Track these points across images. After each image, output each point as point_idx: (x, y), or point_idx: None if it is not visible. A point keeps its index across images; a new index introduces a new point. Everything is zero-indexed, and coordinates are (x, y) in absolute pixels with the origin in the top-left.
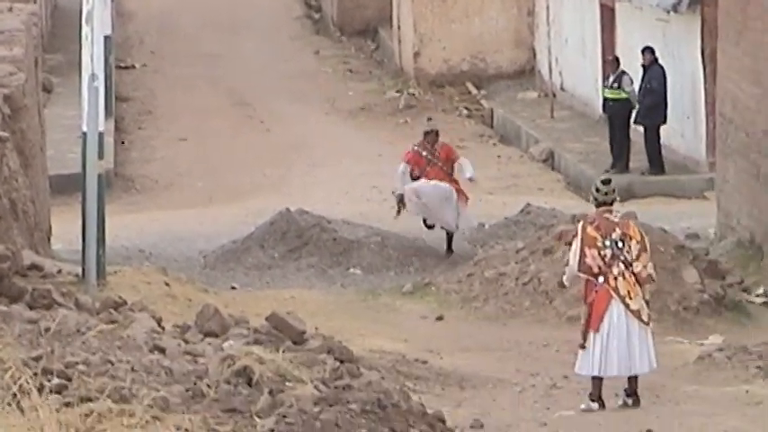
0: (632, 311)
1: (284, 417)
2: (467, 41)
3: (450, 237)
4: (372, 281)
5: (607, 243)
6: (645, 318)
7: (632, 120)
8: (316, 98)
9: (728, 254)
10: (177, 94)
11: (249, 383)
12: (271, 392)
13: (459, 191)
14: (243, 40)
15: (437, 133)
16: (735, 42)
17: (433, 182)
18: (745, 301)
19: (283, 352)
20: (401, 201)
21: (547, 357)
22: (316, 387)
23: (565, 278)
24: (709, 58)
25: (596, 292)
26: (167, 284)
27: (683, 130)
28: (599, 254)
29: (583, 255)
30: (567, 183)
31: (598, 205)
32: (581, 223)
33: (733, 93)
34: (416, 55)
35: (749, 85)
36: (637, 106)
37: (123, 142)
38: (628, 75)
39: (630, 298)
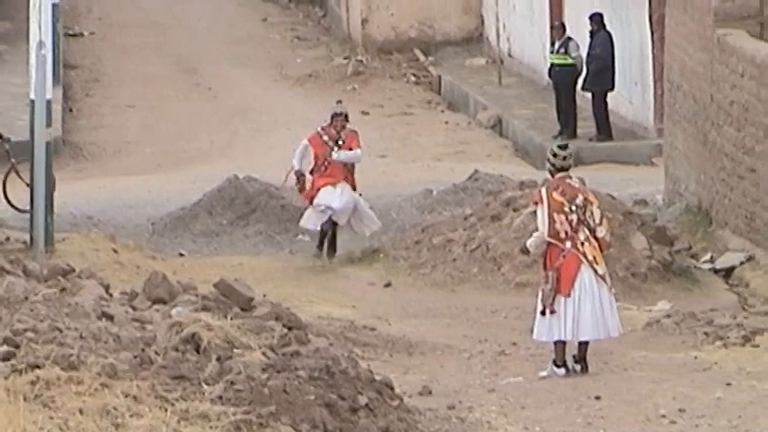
0: (600, 276)
1: (232, 383)
2: (414, 8)
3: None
4: None
5: (572, 208)
6: (609, 282)
7: (579, 86)
8: (263, 65)
9: (676, 220)
10: (125, 62)
11: (197, 350)
12: (219, 359)
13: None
14: (191, 8)
15: (346, 117)
16: (682, 8)
17: (338, 191)
18: (693, 267)
19: (231, 319)
20: (300, 180)
21: (495, 324)
22: (264, 354)
23: (530, 243)
24: (657, 24)
25: (564, 256)
26: (115, 251)
27: (631, 97)
28: (566, 219)
29: (552, 220)
30: (515, 149)
31: (557, 171)
32: (544, 189)
33: (681, 59)
34: (364, 22)
35: (697, 51)
36: (583, 72)
37: (71, 110)
38: (574, 40)
39: (597, 263)
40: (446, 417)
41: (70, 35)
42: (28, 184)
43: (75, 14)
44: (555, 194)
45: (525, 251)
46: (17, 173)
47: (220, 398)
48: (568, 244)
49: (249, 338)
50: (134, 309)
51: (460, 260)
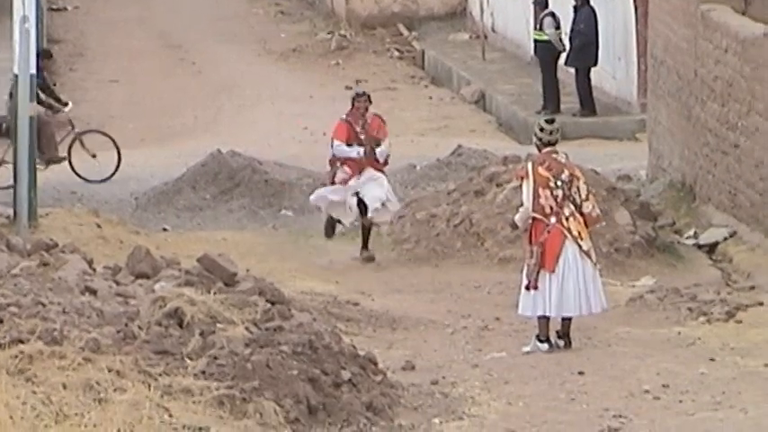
0: (585, 252)
1: (215, 358)
2: None
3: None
4: (304, 222)
5: (558, 183)
6: (594, 258)
7: (562, 61)
8: (247, 40)
9: (660, 196)
10: (108, 37)
11: (180, 325)
12: (202, 334)
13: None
14: None
15: (369, 98)
16: None
17: (366, 177)
18: (677, 242)
19: (214, 294)
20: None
21: (478, 299)
22: (247, 329)
23: (517, 218)
24: (640, 0)
25: (548, 232)
26: (99, 226)
27: (615, 72)
28: (551, 194)
29: (537, 195)
30: (499, 124)
31: (544, 145)
32: (530, 163)
33: (665, 34)
34: None
35: (681, 27)
36: (560, 48)
37: (55, 84)
38: (550, 16)
39: (582, 239)
40: (429, 392)
41: (54, 9)
42: (93, 155)
43: None
44: (541, 169)
45: (513, 226)
46: (81, 143)
47: (203, 372)
48: (553, 219)
49: (232, 313)
50: (117, 283)
51: (444, 235)
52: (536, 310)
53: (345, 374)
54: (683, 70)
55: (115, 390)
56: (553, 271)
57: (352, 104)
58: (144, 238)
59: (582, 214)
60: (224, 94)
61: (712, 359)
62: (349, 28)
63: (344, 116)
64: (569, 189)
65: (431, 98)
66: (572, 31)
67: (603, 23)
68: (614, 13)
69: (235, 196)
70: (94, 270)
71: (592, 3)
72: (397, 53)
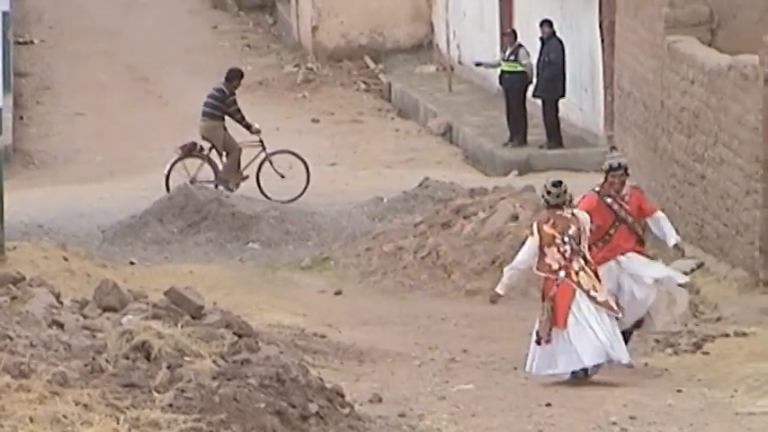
0: (600, 303)
1: (183, 391)
2: (365, 15)
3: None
4: (271, 255)
5: (566, 239)
6: (614, 306)
7: (530, 93)
8: (213, 72)
9: None
10: (76, 70)
11: (148, 358)
12: (169, 367)
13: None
14: (141, 15)
15: (626, 170)
16: (633, 14)
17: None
18: None
19: (182, 327)
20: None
21: (446, 331)
22: (214, 362)
23: (503, 283)
24: (607, 31)
25: (557, 286)
26: (66, 259)
27: (582, 104)
28: (558, 251)
29: (543, 254)
30: (466, 156)
31: (550, 207)
32: (535, 224)
33: (631, 66)
34: (314, 29)
35: (647, 58)
36: (533, 79)
37: (22, 117)
38: (524, 47)
39: (596, 290)
40: (397, 424)
41: (20, 43)
42: (282, 176)
43: (25, 22)
44: (546, 227)
45: (494, 299)
46: (271, 164)
47: (171, 405)
48: (562, 273)
49: (200, 346)
50: (84, 317)
51: (411, 267)
52: (549, 368)
53: (313, 407)
54: (649, 101)
55: (82, 423)
56: (564, 327)
57: (606, 177)
58: (111, 271)
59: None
60: (190, 127)
61: (679, 390)
62: (315, 61)
63: (596, 188)
64: (578, 244)
65: (397, 130)
66: (540, 62)
67: (570, 55)
68: (581, 45)
69: (202, 229)
70: (62, 303)
71: (558, 34)
72: (363, 86)
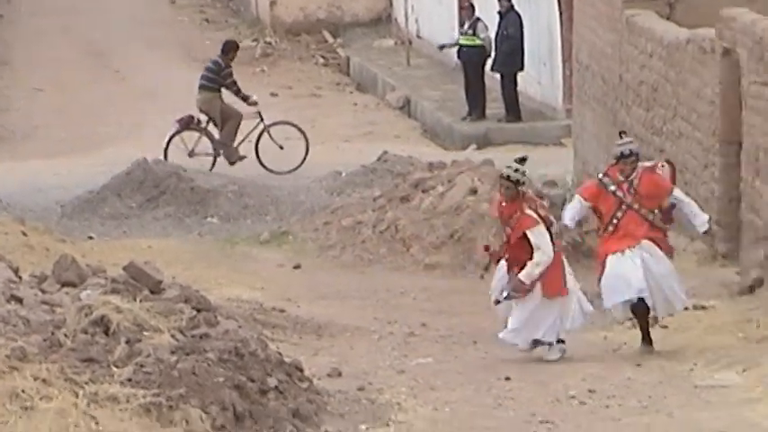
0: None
1: (141, 366)
2: None
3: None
4: (230, 229)
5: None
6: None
7: (489, 67)
8: (172, 47)
9: None
10: (34, 46)
11: (106, 333)
12: (128, 342)
13: (663, 246)
14: None
15: (637, 156)
16: None
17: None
18: None
19: (140, 301)
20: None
21: (404, 305)
22: (173, 336)
23: (530, 274)
24: (565, 5)
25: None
26: (24, 234)
27: (540, 77)
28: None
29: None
30: (424, 130)
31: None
32: (530, 210)
33: (590, 39)
34: (273, 4)
35: (606, 32)
36: (492, 53)
37: None
38: (482, 21)
39: None
40: (356, 398)
41: None
42: (281, 147)
43: None
44: (540, 210)
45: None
46: (269, 135)
47: (130, 380)
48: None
49: (158, 321)
50: (43, 292)
51: (370, 241)
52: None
53: (271, 381)
54: (608, 75)
55: (41, 398)
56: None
57: (617, 163)
58: (70, 246)
59: None
60: (148, 102)
61: (638, 364)
62: (274, 35)
63: (602, 175)
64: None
65: (356, 104)
66: (498, 36)
67: (528, 29)
68: (539, 19)
69: (160, 204)
70: (20, 278)
71: (516, 8)
72: (322, 60)
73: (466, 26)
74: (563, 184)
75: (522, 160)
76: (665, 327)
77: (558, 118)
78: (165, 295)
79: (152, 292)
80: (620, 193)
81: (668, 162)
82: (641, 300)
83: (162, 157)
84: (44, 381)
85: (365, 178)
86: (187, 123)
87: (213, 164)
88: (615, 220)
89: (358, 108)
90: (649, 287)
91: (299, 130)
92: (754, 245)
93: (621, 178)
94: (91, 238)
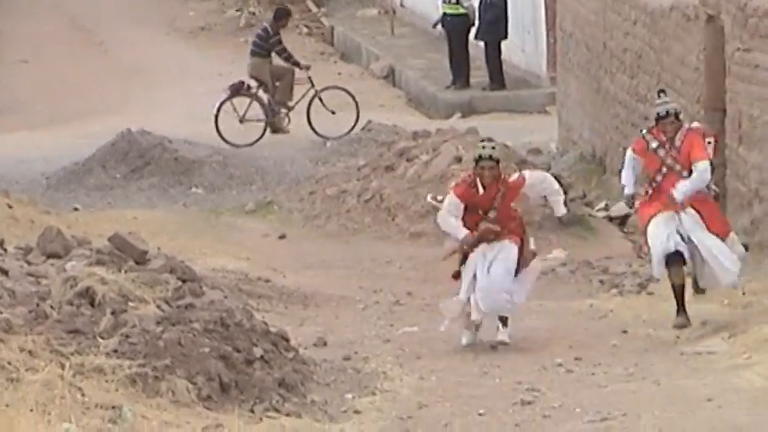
0: None
1: (127, 337)
2: None
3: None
4: (214, 200)
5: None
6: None
7: (473, 35)
8: (156, 19)
9: (571, 168)
10: (19, 20)
11: (92, 304)
12: (113, 313)
13: (715, 218)
14: None
15: (678, 116)
16: None
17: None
18: (588, 215)
19: (126, 272)
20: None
21: (390, 274)
22: (158, 307)
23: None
24: None
25: None
26: (9, 206)
27: (524, 46)
28: None
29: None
30: (409, 99)
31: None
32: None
33: (573, 7)
34: None
35: (589, 0)
36: (476, 22)
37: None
38: None
39: None
40: (342, 368)
41: None
42: (333, 112)
43: None
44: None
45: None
46: (321, 100)
47: (115, 351)
48: None
49: (144, 292)
50: (29, 263)
51: (354, 211)
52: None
53: (257, 351)
54: (591, 43)
55: (27, 369)
56: None
57: (657, 123)
58: (55, 217)
59: None
60: (133, 74)
61: (624, 331)
62: (257, 5)
63: (643, 132)
64: None
65: (340, 74)
66: (482, 4)
67: None
68: None
69: (145, 175)
70: (5, 250)
71: None
72: (306, 30)
73: None
74: (547, 151)
75: (490, 140)
76: (651, 294)
77: (543, 86)
78: (150, 266)
79: (137, 263)
80: (661, 152)
81: (714, 137)
82: (678, 253)
83: (213, 124)
84: (30, 352)
85: (350, 147)
86: (237, 89)
87: (264, 130)
88: (655, 183)
89: (342, 77)
90: (690, 251)
91: (350, 95)
92: (739, 211)
93: (664, 138)
94: (76, 209)
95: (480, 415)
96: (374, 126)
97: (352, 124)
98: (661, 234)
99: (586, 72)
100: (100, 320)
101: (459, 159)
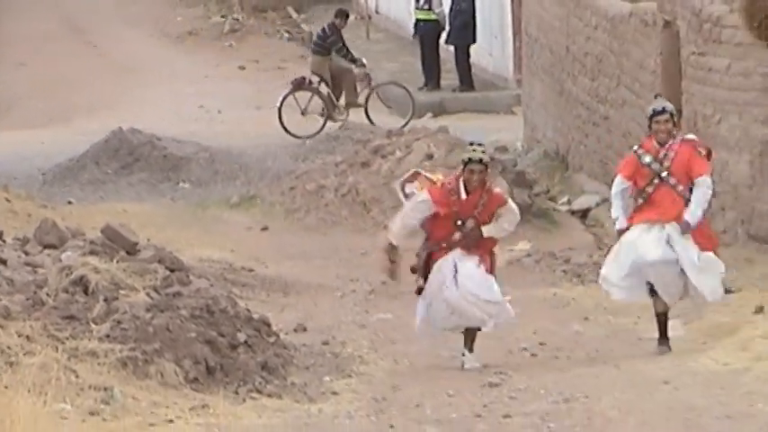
0: None
1: (118, 322)
2: None
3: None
4: (201, 194)
5: None
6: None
7: (443, 40)
8: (146, 24)
9: (535, 165)
10: (17, 22)
11: (86, 292)
12: (106, 300)
13: (702, 232)
14: None
15: (674, 122)
16: None
17: (659, 233)
18: (552, 209)
19: (117, 262)
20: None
21: (365, 264)
22: (148, 294)
23: None
24: None
25: None
26: (8, 200)
27: (492, 50)
28: None
29: None
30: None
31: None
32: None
33: (538, 13)
34: None
35: (553, 6)
36: (446, 27)
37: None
38: None
39: None
40: (320, 352)
41: None
42: (389, 107)
43: None
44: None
45: None
46: (378, 95)
47: (108, 336)
48: None
49: (134, 280)
50: (26, 254)
51: (332, 205)
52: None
53: (241, 336)
54: (555, 47)
55: (25, 353)
56: None
57: (651, 128)
58: (51, 211)
59: None
60: (125, 76)
61: (586, 318)
62: (241, 11)
63: (636, 148)
64: None
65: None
66: (452, 10)
67: (480, 3)
68: None
69: (135, 171)
70: (4, 241)
71: None
72: (287, 35)
73: (422, 1)
74: (513, 149)
75: (480, 144)
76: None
77: (509, 88)
78: (140, 256)
79: (128, 253)
80: (655, 166)
81: (707, 149)
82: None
83: (276, 116)
84: (27, 337)
85: (328, 145)
86: (299, 84)
87: (324, 122)
88: (645, 194)
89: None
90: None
91: (406, 90)
92: None
93: (657, 146)
94: (70, 203)
95: (450, 396)
96: (350, 125)
97: (408, 117)
98: (641, 242)
99: (550, 75)
100: (93, 307)
101: (430, 156)
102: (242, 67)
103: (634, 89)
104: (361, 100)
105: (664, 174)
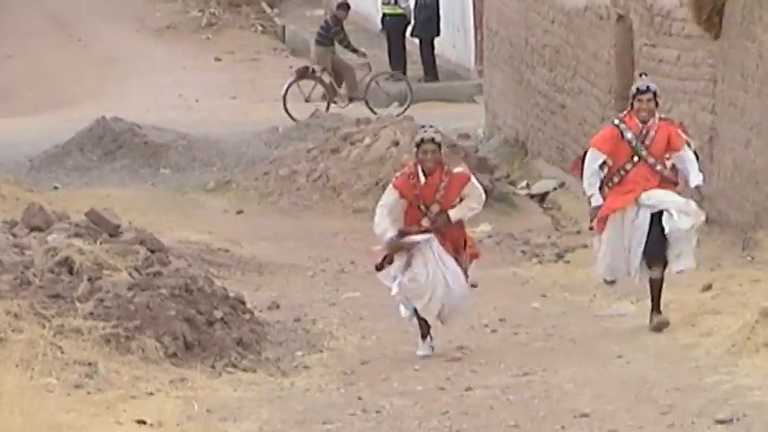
0: None
1: (102, 301)
2: None
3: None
4: (180, 179)
5: None
6: None
7: (409, 33)
8: (127, 18)
9: (496, 151)
10: (4, 17)
11: (70, 272)
12: (90, 279)
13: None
14: None
15: (656, 95)
16: None
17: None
18: (512, 193)
19: (101, 243)
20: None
21: (336, 245)
22: (130, 274)
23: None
24: None
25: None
26: None
27: (455, 42)
28: None
29: None
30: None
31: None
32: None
33: (498, 8)
34: None
35: (512, 1)
36: (412, 20)
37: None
38: None
39: None
40: (293, 328)
41: None
42: (388, 94)
43: None
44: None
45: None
46: (377, 84)
47: (91, 314)
48: None
49: (116, 261)
50: (14, 236)
51: (304, 189)
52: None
53: (218, 314)
54: (515, 39)
55: (13, 330)
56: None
57: (632, 106)
58: (38, 195)
59: None
60: (108, 67)
61: (544, 296)
62: (218, 6)
63: (616, 120)
64: None
65: (291, 67)
66: (417, 4)
67: None
68: None
69: (118, 157)
70: None
71: None
72: (260, 28)
73: None
74: (475, 136)
75: (431, 126)
76: (568, 262)
77: (471, 78)
78: (122, 238)
79: (111, 236)
80: (635, 143)
81: (680, 125)
82: (660, 253)
83: (281, 103)
84: (15, 315)
85: (299, 133)
86: (303, 73)
87: (327, 107)
88: (623, 172)
89: (292, 70)
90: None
91: (405, 80)
92: None
93: (638, 123)
94: (56, 188)
95: (416, 370)
96: (321, 114)
97: (406, 105)
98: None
99: (510, 65)
100: (78, 286)
101: (396, 143)
102: (218, 59)
103: (589, 79)
104: (360, 91)
105: (643, 153)
